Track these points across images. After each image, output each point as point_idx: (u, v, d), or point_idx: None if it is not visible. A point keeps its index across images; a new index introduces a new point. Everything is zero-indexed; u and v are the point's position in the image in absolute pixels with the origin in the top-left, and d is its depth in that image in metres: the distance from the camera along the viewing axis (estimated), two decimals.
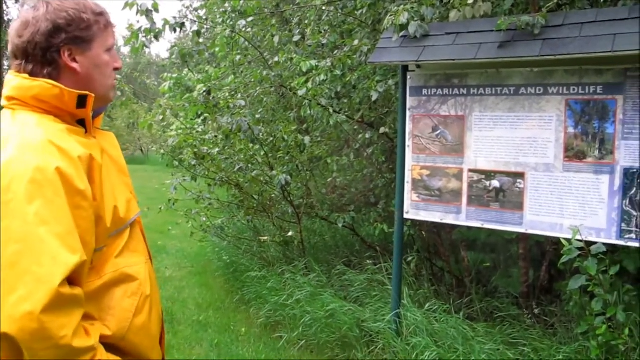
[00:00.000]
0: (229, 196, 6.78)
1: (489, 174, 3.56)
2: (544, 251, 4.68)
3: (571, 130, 3.27)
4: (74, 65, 1.51)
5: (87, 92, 1.50)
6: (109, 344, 1.47)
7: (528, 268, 4.56)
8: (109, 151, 1.64)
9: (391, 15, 3.56)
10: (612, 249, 3.44)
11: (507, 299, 4.50)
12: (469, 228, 4.42)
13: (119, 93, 5.67)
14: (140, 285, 1.57)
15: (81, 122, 1.53)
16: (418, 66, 3.76)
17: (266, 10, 6.18)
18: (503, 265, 5.14)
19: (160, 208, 6.26)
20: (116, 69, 1.64)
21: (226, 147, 5.44)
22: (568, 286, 3.21)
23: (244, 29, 5.61)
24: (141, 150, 23.80)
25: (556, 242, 3.79)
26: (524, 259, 4.52)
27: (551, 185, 3.35)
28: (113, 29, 1.62)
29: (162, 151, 5.99)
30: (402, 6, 3.53)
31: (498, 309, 4.31)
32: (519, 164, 3.44)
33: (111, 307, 1.51)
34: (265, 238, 6.16)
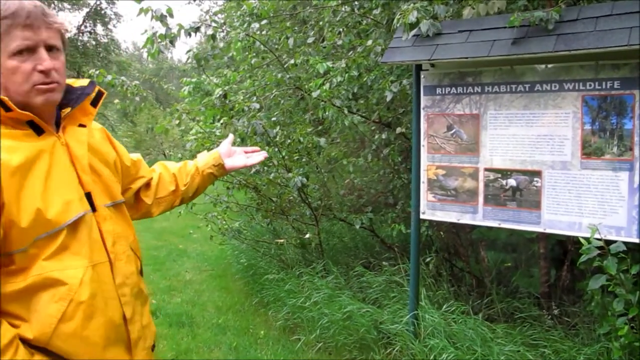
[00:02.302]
0: (247, 199, 6.79)
1: (505, 173, 3.50)
2: (565, 250, 4.60)
3: (588, 126, 3.20)
4: None
5: (2, 97, 1.49)
6: (40, 347, 1.51)
7: (549, 268, 4.48)
8: (74, 149, 1.65)
9: (400, 14, 3.52)
10: (633, 247, 3.35)
11: (528, 300, 4.43)
12: (489, 228, 4.36)
13: (136, 99, 5.71)
14: (69, 291, 1.53)
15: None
16: (432, 65, 3.72)
17: (283, 12, 6.19)
18: (524, 265, 5.07)
19: (180, 212, 6.29)
20: (41, 71, 1.54)
21: None
22: (588, 286, 3.15)
23: (258, 32, 5.61)
24: (164, 154, 24.03)
25: (578, 241, 3.72)
26: (545, 259, 4.45)
27: (569, 183, 3.28)
28: (24, 29, 1.51)
29: (179, 155, 6.02)
30: (411, 5, 3.49)
31: (518, 310, 4.25)
32: (536, 162, 3.38)
33: (36, 311, 1.51)
34: (282, 240, 6.15)
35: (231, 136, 2.40)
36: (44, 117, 1.61)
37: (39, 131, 1.58)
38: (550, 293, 4.40)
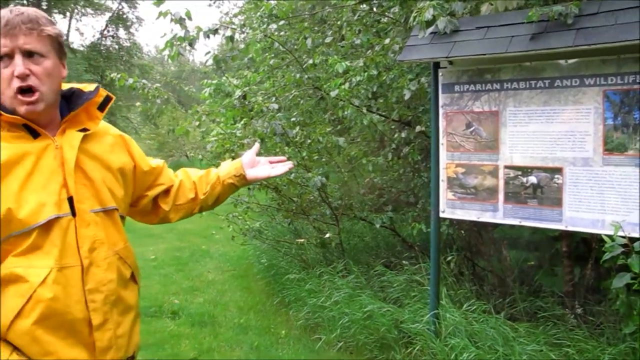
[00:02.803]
0: (267, 199, 6.81)
1: (526, 170, 3.46)
2: (589, 248, 4.52)
3: (610, 122, 3.15)
4: None
5: None
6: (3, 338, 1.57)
7: (573, 266, 4.42)
8: (65, 153, 1.67)
9: (417, 12, 3.50)
10: None
11: (552, 299, 4.37)
12: (511, 226, 4.31)
13: (157, 101, 5.77)
14: (30, 289, 1.55)
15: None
16: (450, 62, 3.69)
17: (302, 12, 6.20)
18: (547, 264, 5.00)
19: (202, 213, 6.33)
20: (17, 77, 1.58)
21: (262, 151, 5.46)
22: (612, 284, 3.09)
23: (276, 33, 5.62)
24: (186, 156, 24.21)
25: (601, 239, 3.66)
26: (568, 257, 4.38)
27: (591, 180, 3.23)
28: (1, 39, 1.57)
29: (200, 157, 6.07)
30: (427, 2, 3.47)
31: (541, 309, 4.19)
32: (556, 158, 3.33)
33: (3, 304, 1.56)
34: (303, 240, 6.16)
35: (257, 145, 2.35)
36: (40, 121, 1.64)
37: (35, 134, 1.62)
38: (574, 292, 4.34)
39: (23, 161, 1.59)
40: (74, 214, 1.66)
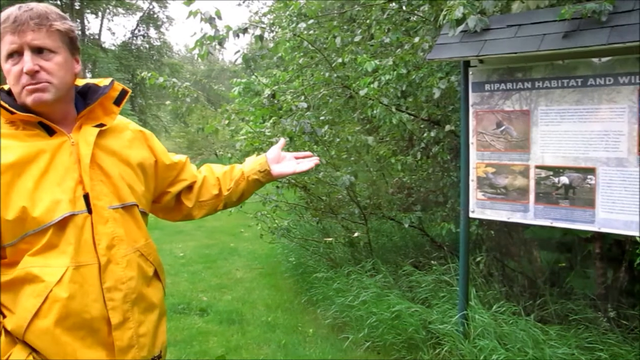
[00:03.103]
0: (296, 198, 6.83)
1: (557, 170, 3.40)
2: (623, 250, 4.43)
3: None
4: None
5: None
6: (21, 340, 1.55)
7: (605, 268, 4.34)
8: (81, 149, 1.65)
9: (446, 10, 3.47)
10: None
11: (583, 301, 4.29)
12: (542, 227, 4.24)
13: (187, 100, 5.82)
14: (46, 288, 1.53)
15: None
16: (480, 61, 3.65)
17: (331, 11, 6.20)
18: (579, 265, 4.92)
19: (231, 211, 6.38)
20: (26, 73, 1.57)
21: (290, 149, 5.48)
22: None
23: (305, 32, 5.63)
24: (215, 154, 24.42)
25: (636, 241, 3.58)
26: (601, 259, 4.30)
27: (625, 180, 3.16)
28: (12, 34, 1.57)
29: (229, 155, 6.11)
30: (457, 0, 3.43)
31: (573, 312, 4.13)
32: (589, 158, 3.27)
33: (19, 304, 1.55)
34: (330, 239, 6.16)
35: (282, 141, 2.31)
36: (55, 117, 1.64)
37: (50, 131, 1.62)
38: (606, 295, 4.26)
39: (37, 159, 1.57)
40: (90, 211, 1.63)
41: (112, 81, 1.78)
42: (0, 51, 1.60)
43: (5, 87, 1.68)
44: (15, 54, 1.57)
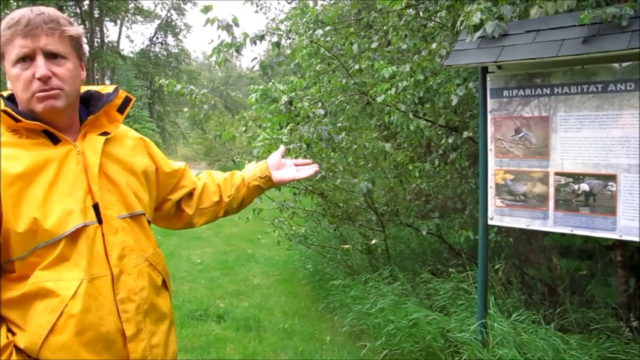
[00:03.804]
0: (313, 205, 6.83)
1: (577, 177, 3.36)
2: None
3: None
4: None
5: (5, 108, 1.51)
6: (34, 357, 1.50)
7: (627, 276, 4.26)
8: (88, 158, 1.62)
9: (464, 16, 3.45)
10: None
11: (605, 310, 4.22)
12: (562, 234, 4.19)
13: (204, 107, 5.85)
14: (61, 303, 1.49)
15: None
16: (499, 67, 3.62)
17: (348, 17, 6.19)
18: (600, 274, 4.84)
19: (248, 217, 6.39)
20: (39, 79, 1.53)
21: (307, 156, 5.47)
22: None
23: (322, 38, 5.64)
24: (233, 161, 24.54)
25: None
26: (623, 267, 4.23)
27: None
28: (24, 37, 1.52)
29: (246, 161, 6.12)
30: (475, 6, 3.41)
31: (594, 321, 4.06)
32: (610, 165, 3.22)
33: (30, 320, 1.50)
34: (348, 246, 6.15)
35: (282, 147, 2.31)
36: (60, 125, 1.60)
37: (55, 140, 1.58)
38: (629, 303, 4.18)
39: (46, 168, 1.53)
40: (100, 221, 1.60)
41: (117, 88, 1.76)
42: (5, 54, 1.55)
43: (5, 93, 1.64)
44: (27, 59, 1.53)
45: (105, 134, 1.70)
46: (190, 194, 2.09)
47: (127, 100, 1.76)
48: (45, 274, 1.50)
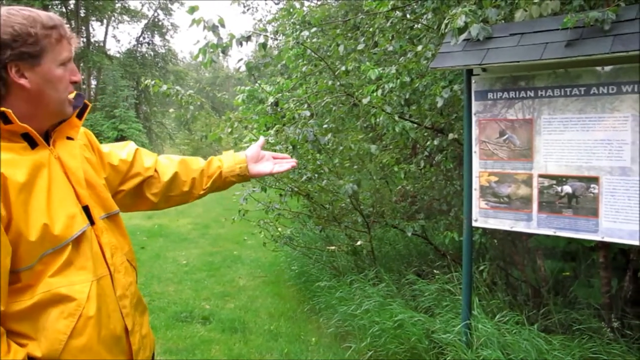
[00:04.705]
0: (299, 206, 6.83)
1: (561, 179, 3.39)
2: (628, 259, 4.40)
3: None
4: (22, 81, 1.49)
5: (5, 110, 1.46)
6: None
7: (610, 277, 4.30)
8: (67, 162, 1.62)
9: (449, 19, 3.47)
10: None
11: (588, 311, 4.26)
12: (547, 235, 4.22)
13: (191, 107, 5.83)
14: (78, 306, 1.51)
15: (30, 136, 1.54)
16: (483, 70, 3.64)
17: (335, 19, 6.20)
18: (583, 275, 4.89)
19: (234, 219, 6.38)
20: (73, 82, 1.60)
21: (293, 157, 5.46)
22: None
23: (309, 39, 5.64)
24: None
25: None
26: (605, 268, 4.27)
27: (628, 190, 3.14)
28: (69, 41, 1.57)
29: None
30: (460, 9, 3.43)
31: (577, 321, 4.10)
32: (592, 167, 3.26)
33: (45, 328, 1.48)
34: (333, 247, 6.15)
35: (262, 139, 2.30)
36: (39, 131, 1.58)
37: (32, 144, 1.55)
38: (611, 304, 4.22)
39: (40, 174, 1.52)
40: (92, 222, 1.64)
41: (80, 95, 1.74)
42: (48, 53, 1.53)
43: None
44: (67, 63, 1.58)
45: (69, 138, 1.71)
46: (150, 182, 2.05)
47: (85, 106, 1.76)
48: (56, 280, 1.50)
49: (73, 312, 1.51)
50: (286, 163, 2.27)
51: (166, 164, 2.10)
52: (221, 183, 2.18)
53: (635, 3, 3.50)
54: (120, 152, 1.98)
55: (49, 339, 1.48)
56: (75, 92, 1.70)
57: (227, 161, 2.20)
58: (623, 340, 3.77)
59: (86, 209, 1.63)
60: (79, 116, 1.73)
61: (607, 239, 3.27)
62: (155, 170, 2.06)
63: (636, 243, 3.12)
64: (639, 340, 3.79)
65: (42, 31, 1.50)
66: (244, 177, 2.20)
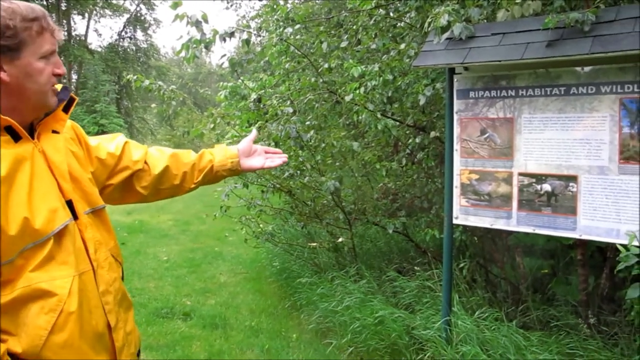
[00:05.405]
0: (281, 202, 6.83)
1: (540, 178, 3.43)
2: (605, 257, 4.47)
3: (627, 130, 3.11)
4: (1, 74, 1.46)
5: None
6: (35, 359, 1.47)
7: (587, 275, 4.36)
8: (52, 156, 1.60)
9: (432, 18, 3.50)
10: None
11: (565, 308, 4.32)
12: (526, 233, 4.27)
13: (173, 103, 5.80)
14: (59, 302, 1.49)
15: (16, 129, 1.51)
16: (465, 68, 3.67)
17: (318, 16, 6.21)
18: (561, 272, 4.96)
19: (215, 215, 6.36)
20: (57, 75, 1.57)
21: None
22: (627, 295, 3.06)
23: (292, 36, 5.64)
24: None
25: (617, 248, 3.61)
26: (583, 266, 4.33)
27: (606, 188, 3.20)
28: (52, 34, 1.54)
29: None
30: (443, 8, 3.46)
31: (555, 318, 4.16)
32: (571, 166, 3.31)
33: (25, 324, 1.47)
34: (315, 244, 6.17)
35: (254, 132, 2.26)
36: (23, 124, 1.56)
37: (16, 137, 1.52)
38: (588, 301, 4.29)
39: (22, 167, 1.50)
40: (75, 217, 1.62)
41: (66, 88, 1.72)
42: (27, 45, 1.50)
43: None
44: (50, 55, 1.55)
45: (55, 132, 1.68)
46: (139, 176, 2.01)
47: (71, 100, 1.74)
48: (37, 275, 1.48)
49: (54, 308, 1.49)
50: (278, 158, 2.25)
51: (157, 157, 2.06)
52: (212, 177, 2.15)
53: (615, 5, 3.57)
54: (108, 145, 1.93)
55: (30, 334, 1.47)
56: (61, 85, 1.68)
57: (219, 155, 2.16)
58: (599, 336, 3.83)
59: (70, 204, 1.61)
60: (65, 110, 1.71)
61: (585, 237, 3.33)
62: (146, 163, 2.02)
63: (613, 241, 3.18)
64: (615, 337, 3.85)
65: (22, 24, 1.47)
66: (236, 171, 2.17)
